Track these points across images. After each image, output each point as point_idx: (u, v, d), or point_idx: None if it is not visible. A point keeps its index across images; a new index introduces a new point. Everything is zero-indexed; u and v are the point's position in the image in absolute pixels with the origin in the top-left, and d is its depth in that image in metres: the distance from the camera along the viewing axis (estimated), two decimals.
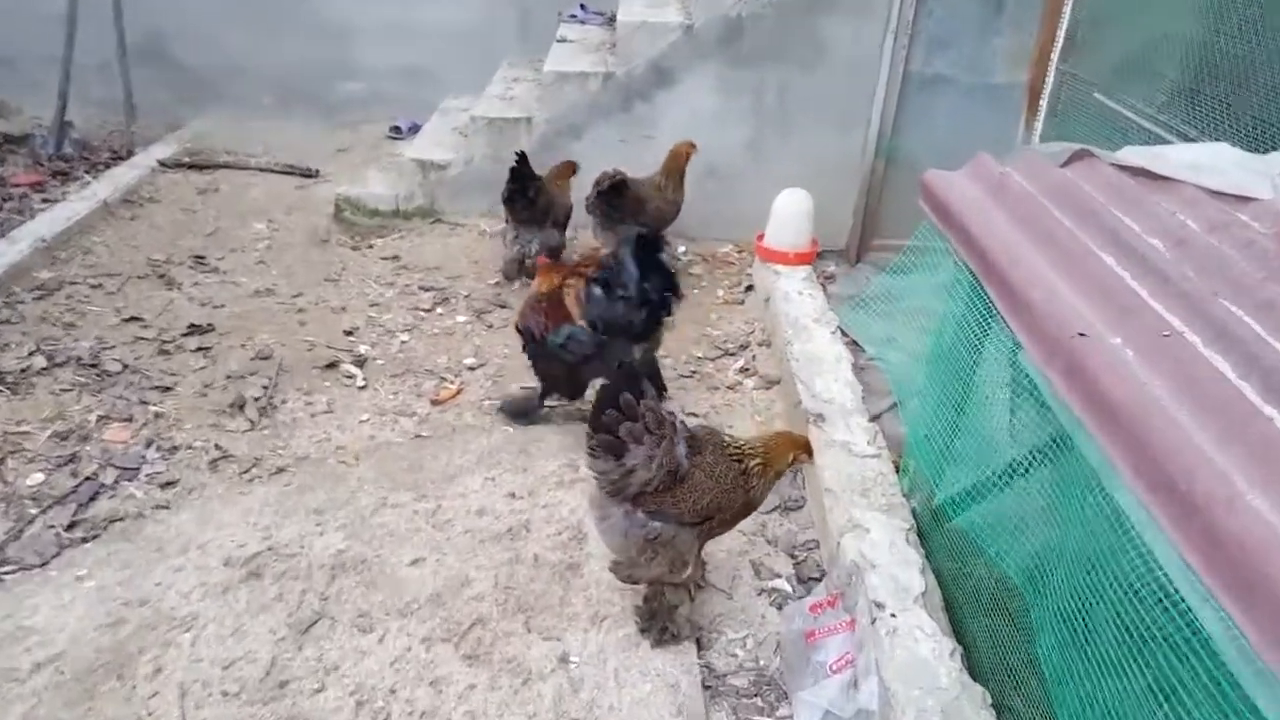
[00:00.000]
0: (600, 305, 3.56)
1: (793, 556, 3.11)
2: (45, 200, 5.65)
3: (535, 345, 3.61)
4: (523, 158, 4.71)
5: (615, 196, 4.72)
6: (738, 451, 2.60)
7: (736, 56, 5.02)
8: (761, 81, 5.08)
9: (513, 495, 3.22)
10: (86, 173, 6.10)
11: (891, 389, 4.01)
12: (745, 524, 3.19)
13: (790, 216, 4.70)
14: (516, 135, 5.26)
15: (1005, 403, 2.59)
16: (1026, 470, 2.38)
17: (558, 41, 5.77)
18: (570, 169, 4.96)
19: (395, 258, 5.20)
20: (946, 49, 5.00)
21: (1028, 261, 2.16)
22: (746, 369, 4.25)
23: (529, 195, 4.71)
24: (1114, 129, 4.02)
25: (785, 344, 4.00)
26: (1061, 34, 4.60)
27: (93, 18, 6.24)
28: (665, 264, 3.63)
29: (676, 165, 4.82)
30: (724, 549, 3.11)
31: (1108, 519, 1.74)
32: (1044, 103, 4.94)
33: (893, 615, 2.47)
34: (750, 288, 5.00)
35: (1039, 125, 4.96)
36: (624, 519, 2.54)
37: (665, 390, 3.95)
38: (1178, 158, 2.59)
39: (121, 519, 3.17)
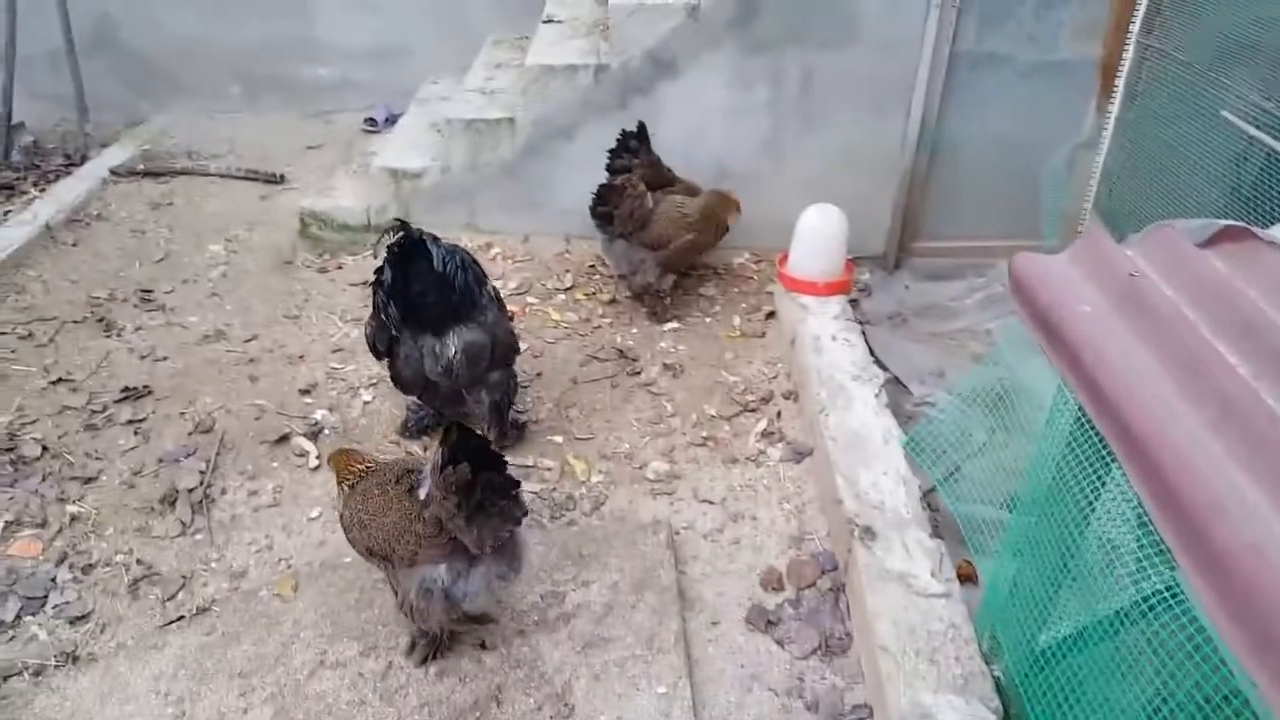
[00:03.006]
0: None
1: None
2: None
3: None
4: (641, 130, 4.20)
5: (603, 203, 4.06)
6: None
7: (751, 40, 4.26)
8: (781, 68, 4.33)
9: (482, 644, 2.62)
10: (35, 184, 5.48)
11: (928, 456, 3.34)
12: (777, 680, 2.61)
13: (819, 239, 3.99)
14: (498, 139, 4.55)
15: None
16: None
17: (544, 22, 5.01)
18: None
19: (366, 282, 4.54)
20: (1002, 21, 4.23)
21: (1213, 476, 1.48)
22: (770, 433, 3.60)
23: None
24: (1215, 119, 3.31)
25: (818, 412, 3.34)
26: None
27: (37, 3, 5.59)
28: (428, 266, 3.12)
29: (713, 216, 4.19)
30: (750, 718, 2.51)
31: None
32: (1120, 83, 4.23)
33: None
34: (772, 314, 4.32)
35: (1114, 109, 4.25)
36: None
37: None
38: None
39: (19, 673, 2.63)
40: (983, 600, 2.54)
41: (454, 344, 3.20)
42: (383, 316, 3.18)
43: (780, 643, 2.75)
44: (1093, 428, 1.87)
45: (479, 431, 2.90)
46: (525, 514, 2.36)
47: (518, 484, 2.31)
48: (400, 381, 3.35)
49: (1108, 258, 2.01)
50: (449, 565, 2.33)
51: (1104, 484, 1.96)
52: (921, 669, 2.36)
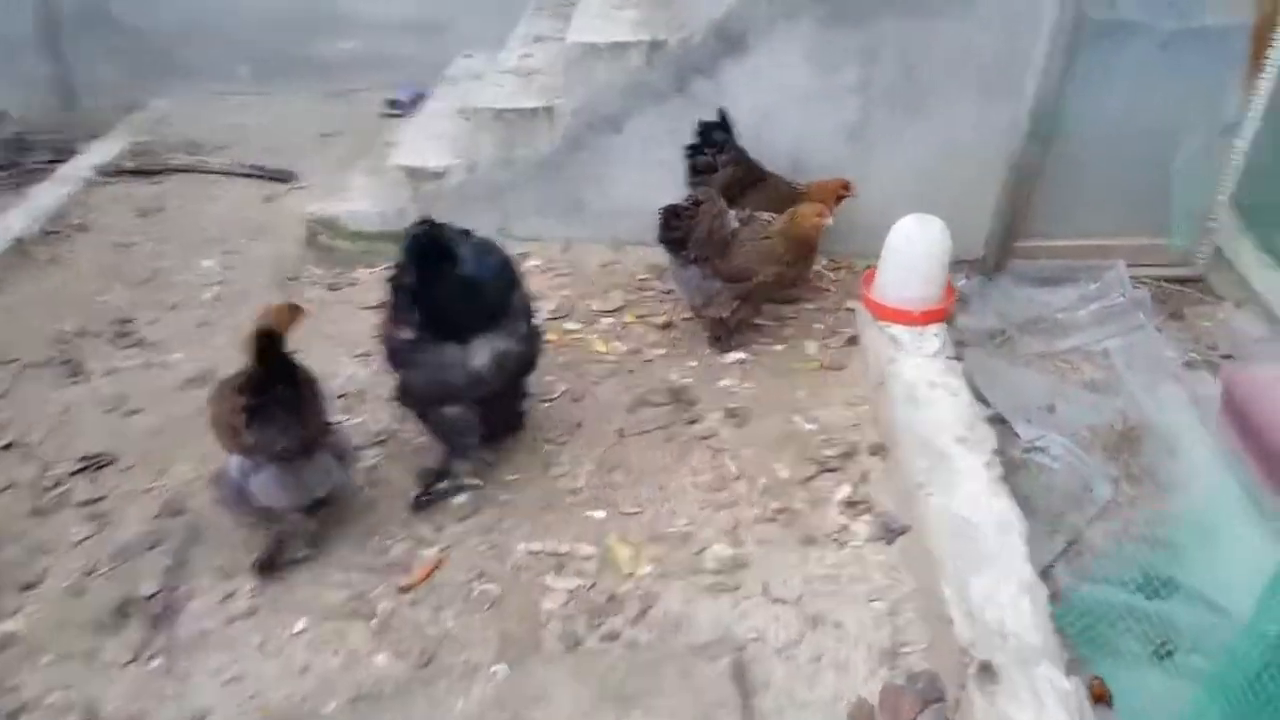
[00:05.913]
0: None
1: None
2: None
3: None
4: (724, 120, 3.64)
5: (674, 220, 3.35)
6: None
7: (837, 10, 3.50)
8: (874, 45, 3.58)
9: None
10: (17, 183, 4.93)
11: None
12: None
13: (917, 257, 3.21)
14: (533, 131, 3.86)
15: None
16: None
17: None
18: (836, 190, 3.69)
19: (382, 305, 3.91)
20: None
21: None
22: (855, 502, 2.89)
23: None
24: None
25: (916, 486, 2.63)
26: None
27: None
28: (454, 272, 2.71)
29: (800, 233, 3.38)
30: None
31: None
32: (1274, 52, 3.53)
33: None
34: (854, 339, 3.59)
35: (1266, 85, 3.58)
36: None
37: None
38: None
39: None
40: None
41: (487, 352, 2.80)
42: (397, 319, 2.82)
43: None
44: None
45: None
46: (297, 443, 2.50)
47: (302, 405, 2.51)
48: (412, 394, 2.93)
49: None
50: (239, 461, 2.56)
51: None
52: None
